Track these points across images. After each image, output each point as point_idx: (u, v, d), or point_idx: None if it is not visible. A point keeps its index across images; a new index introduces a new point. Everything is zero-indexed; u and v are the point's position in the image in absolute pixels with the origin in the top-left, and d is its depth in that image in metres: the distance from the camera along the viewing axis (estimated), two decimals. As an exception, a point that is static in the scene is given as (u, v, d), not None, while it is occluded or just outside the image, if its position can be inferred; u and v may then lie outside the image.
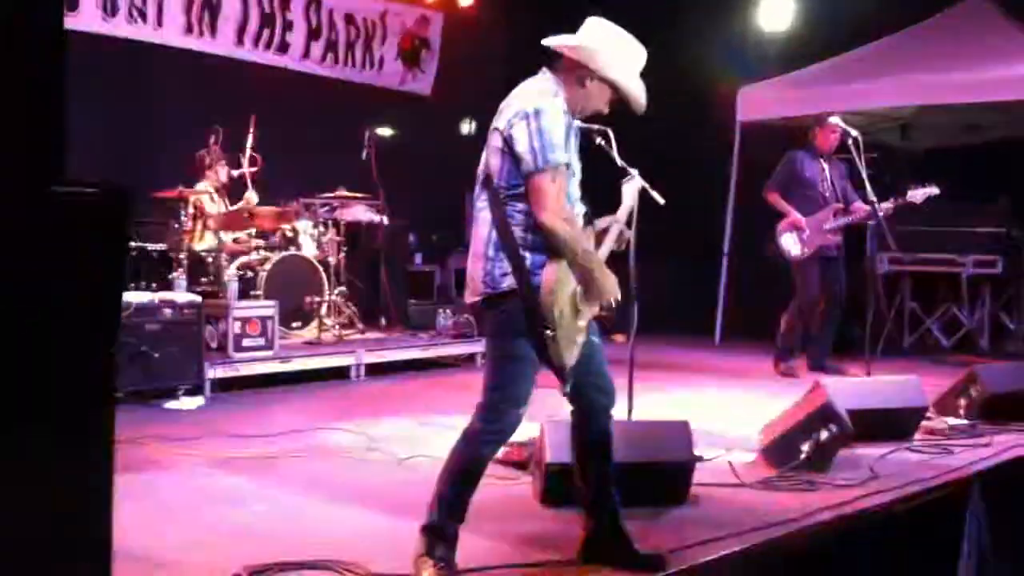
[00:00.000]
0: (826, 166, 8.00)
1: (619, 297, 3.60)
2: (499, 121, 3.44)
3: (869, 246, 7.36)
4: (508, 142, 3.37)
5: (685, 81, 10.60)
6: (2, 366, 1.91)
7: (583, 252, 3.42)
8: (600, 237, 3.76)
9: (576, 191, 3.60)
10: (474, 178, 3.58)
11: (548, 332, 3.35)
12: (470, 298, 3.56)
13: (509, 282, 3.39)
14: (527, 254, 3.39)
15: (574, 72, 3.54)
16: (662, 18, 11.08)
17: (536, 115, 3.35)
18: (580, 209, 3.63)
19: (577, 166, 3.59)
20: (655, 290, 8.68)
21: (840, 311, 8.09)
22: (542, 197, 3.33)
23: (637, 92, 3.62)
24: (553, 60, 3.57)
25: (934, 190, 7.55)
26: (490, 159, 3.46)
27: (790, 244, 7.96)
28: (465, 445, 3.51)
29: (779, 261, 8.07)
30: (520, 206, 3.39)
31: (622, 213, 3.88)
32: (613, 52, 3.55)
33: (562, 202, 3.38)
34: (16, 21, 1.89)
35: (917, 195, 7.56)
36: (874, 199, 7.10)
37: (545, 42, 3.58)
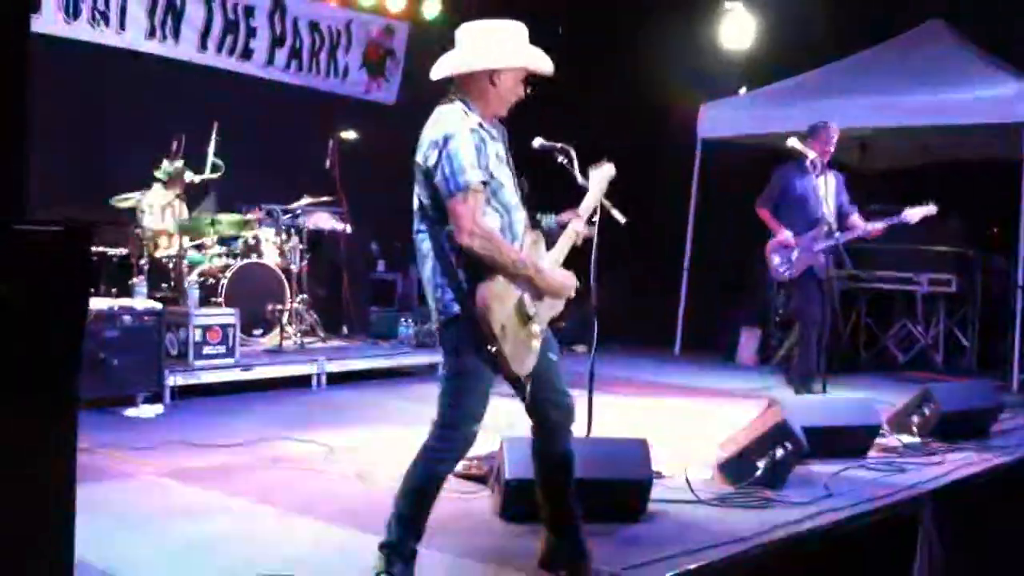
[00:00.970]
0: (820, 180, 7.46)
1: (576, 290, 3.65)
2: (418, 155, 3.50)
3: (824, 264, 7.38)
4: (427, 174, 3.45)
5: (647, 97, 10.73)
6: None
7: (513, 263, 3.45)
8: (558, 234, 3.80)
9: (511, 198, 3.60)
10: None
11: (491, 348, 3.40)
12: (435, 326, 3.64)
13: (456, 307, 3.46)
14: (463, 276, 3.44)
15: (479, 82, 3.58)
16: (624, 35, 11.21)
17: (444, 142, 3.41)
18: (520, 215, 3.64)
19: (506, 173, 3.60)
20: (616, 301, 8.78)
21: (828, 331, 7.57)
22: (458, 220, 3.38)
23: (540, 60, 3.68)
24: (453, 82, 3.62)
25: (932, 209, 7.30)
26: (419, 191, 3.53)
27: (778, 264, 7.58)
28: (421, 463, 3.55)
29: (775, 282, 7.86)
30: (449, 230, 3.43)
31: (584, 207, 3.89)
32: (499, 42, 3.61)
33: (478, 220, 3.40)
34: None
35: (914, 215, 7.33)
36: (830, 220, 7.16)
37: (434, 76, 3.64)
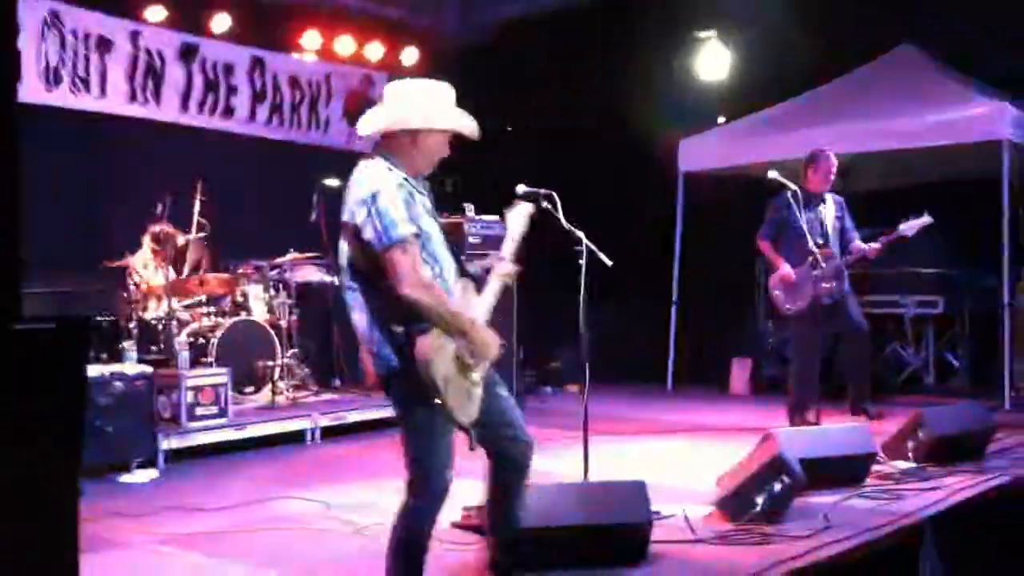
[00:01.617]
0: (820, 208, 7.53)
1: (500, 351, 3.71)
2: (344, 213, 3.58)
3: (812, 293, 7.41)
4: (356, 231, 3.50)
5: (626, 131, 10.81)
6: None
7: (452, 315, 3.53)
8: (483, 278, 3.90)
9: (440, 248, 3.67)
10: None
11: (436, 401, 3.46)
12: (371, 380, 3.72)
13: (396, 361, 3.51)
14: (400, 329, 3.49)
15: (403, 139, 3.65)
16: (601, 68, 11.31)
17: (373, 198, 3.48)
18: (450, 265, 3.71)
19: (434, 226, 3.68)
20: (605, 338, 8.81)
21: (862, 347, 7.73)
22: (397, 271, 3.43)
23: (466, 124, 3.78)
24: (380, 139, 3.71)
25: (927, 220, 7.32)
26: (348, 249, 3.59)
27: (783, 300, 7.53)
28: (403, 521, 3.62)
29: (783, 317, 7.77)
30: (383, 284, 3.47)
31: (506, 248, 3.98)
32: (425, 103, 3.67)
33: (418, 271, 3.48)
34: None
35: (911, 227, 7.34)
36: (815, 249, 7.20)
37: (361, 133, 3.73)
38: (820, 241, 7.39)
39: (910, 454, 6.20)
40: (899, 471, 6.00)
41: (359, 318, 3.60)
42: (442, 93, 3.73)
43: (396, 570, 3.58)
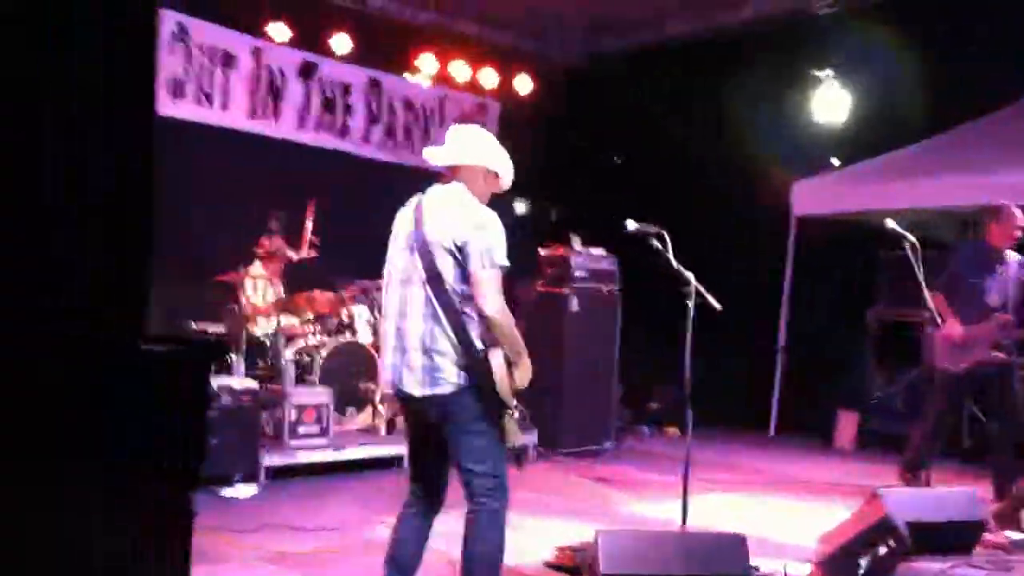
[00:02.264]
0: (1001, 266, 6.96)
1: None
2: (445, 231, 3.83)
3: (927, 349, 7.18)
4: (459, 249, 3.79)
5: (739, 169, 10.71)
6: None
7: (518, 340, 3.86)
8: None
9: None
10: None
11: (508, 412, 3.81)
12: (418, 389, 3.85)
13: (467, 375, 3.79)
14: (479, 345, 3.80)
15: (483, 176, 4.02)
16: (716, 104, 11.23)
17: (486, 224, 3.84)
18: None
19: None
20: (708, 381, 8.69)
21: (1018, 429, 6.96)
22: (489, 292, 3.77)
23: (511, 174, 4.13)
24: (458, 168, 4.03)
25: None
26: (438, 264, 3.81)
27: (942, 356, 6.95)
28: (495, 527, 3.85)
29: (930, 373, 7.23)
30: (471, 304, 3.80)
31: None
32: (503, 156, 4.09)
33: (501, 295, 3.80)
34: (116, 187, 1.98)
35: None
36: (933, 305, 6.87)
37: (449, 161, 4.04)
38: (1000, 303, 6.94)
39: (1022, 524, 5.98)
40: (1010, 541, 5.79)
41: (423, 326, 3.83)
42: (498, 144, 4.13)
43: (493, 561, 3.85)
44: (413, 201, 4.06)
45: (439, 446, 3.94)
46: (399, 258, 3.98)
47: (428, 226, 3.85)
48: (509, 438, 3.82)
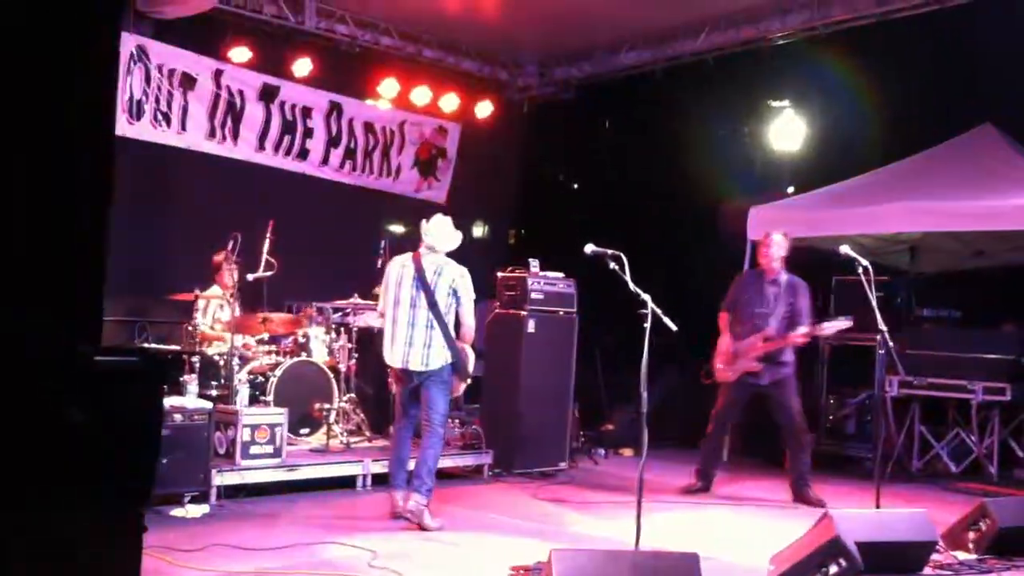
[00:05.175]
0: (771, 286, 7.99)
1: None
2: (443, 277, 6.62)
3: (877, 372, 7.31)
4: (455, 288, 6.62)
5: (695, 195, 10.81)
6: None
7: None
8: None
9: None
10: (476, 281, 6.79)
11: (468, 380, 6.89)
12: (419, 367, 6.56)
13: (446, 357, 6.56)
14: (459, 344, 6.66)
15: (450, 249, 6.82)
16: (673, 131, 11.35)
17: (464, 274, 6.69)
18: None
19: None
20: (663, 403, 8.73)
21: (796, 440, 7.96)
22: (469, 314, 6.71)
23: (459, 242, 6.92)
24: (435, 245, 6.74)
25: (846, 323, 7.67)
26: (438, 294, 6.58)
27: (717, 366, 8.15)
28: (438, 444, 6.66)
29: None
30: (450, 318, 6.61)
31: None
32: (455, 235, 6.82)
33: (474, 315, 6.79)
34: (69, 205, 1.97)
35: (831, 327, 7.72)
36: (883, 328, 7.00)
37: (443, 247, 6.76)
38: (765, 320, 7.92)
39: (971, 545, 6.05)
40: (959, 562, 5.85)
41: (426, 331, 6.55)
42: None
43: (432, 483, 6.54)
44: (402, 258, 6.78)
45: (418, 397, 6.65)
46: (407, 291, 6.61)
47: (430, 276, 6.59)
48: (455, 392, 6.83)
